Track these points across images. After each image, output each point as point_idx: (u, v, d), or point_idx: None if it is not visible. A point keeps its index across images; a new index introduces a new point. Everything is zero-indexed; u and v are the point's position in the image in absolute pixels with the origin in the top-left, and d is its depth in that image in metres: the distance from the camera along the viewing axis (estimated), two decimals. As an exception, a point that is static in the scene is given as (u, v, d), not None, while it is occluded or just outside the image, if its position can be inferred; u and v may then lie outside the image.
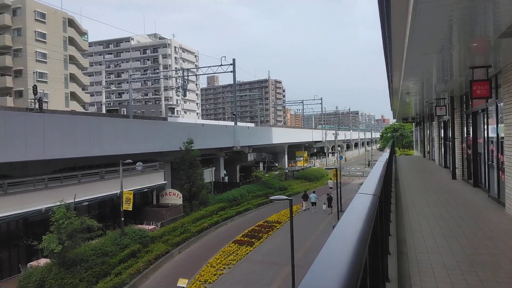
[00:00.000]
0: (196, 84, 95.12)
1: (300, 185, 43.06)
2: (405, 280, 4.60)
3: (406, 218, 8.06)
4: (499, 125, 9.56)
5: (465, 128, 14.33)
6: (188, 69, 48.97)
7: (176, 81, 71.51)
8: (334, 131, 75.50)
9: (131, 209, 21.41)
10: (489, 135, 10.68)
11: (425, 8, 4.86)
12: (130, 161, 21.36)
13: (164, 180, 28.96)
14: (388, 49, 8.37)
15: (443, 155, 20.18)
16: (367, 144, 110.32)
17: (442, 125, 20.34)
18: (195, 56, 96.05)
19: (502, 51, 7.53)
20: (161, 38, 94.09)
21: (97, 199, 22.60)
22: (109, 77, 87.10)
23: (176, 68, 78.33)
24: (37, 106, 26.95)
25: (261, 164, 51.72)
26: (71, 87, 54.62)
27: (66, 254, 16.30)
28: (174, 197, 27.82)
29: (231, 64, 38.19)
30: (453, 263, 5.19)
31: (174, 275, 17.32)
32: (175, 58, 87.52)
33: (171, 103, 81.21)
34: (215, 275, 17.36)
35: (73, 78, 55.19)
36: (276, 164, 59.53)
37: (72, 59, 55.05)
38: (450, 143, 16.21)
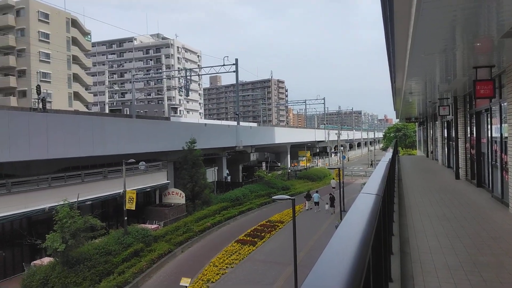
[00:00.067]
0: (199, 84, 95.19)
1: (303, 184, 43.03)
2: (408, 280, 4.59)
3: (409, 218, 8.04)
4: (502, 125, 9.53)
5: (468, 128, 14.28)
6: (190, 69, 49.03)
7: (179, 81, 71.65)
8: (336, 131, 75.36)
9: (134, 209, 21.47)
10: (493, 135, 10.63)
11: (428, 8, 4.85)
12: (133, 160, 21.43)
13: (167, 180, 29.02)
14: (391, 49, 8.36)
15: (446, 155, 20.12)
16: (370, 144, 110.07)
17: (446, 125, 20.27)
18: (198, 56, 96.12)
19: (505, 50, 7.50)
20: (163, 38, 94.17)
21: (100, 198, 22.68)
22: (112, 77, 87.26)
23: (178, 68, 78.42)
24: (40, 106, 27.02)
25: (263, 164, 51.71)
26: (74, 87, 54.77)
27: (70, 253, 16.38)
28: (177, 197, 27.88)
29: (233, 64, 38.19)
30: (456, 263, 5.18)
31: (177, 274, 17.35)
32: (178, 58, 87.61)
33: (173, 103, 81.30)
34: (217, 274, 17.38)
35: (76, 78, 55.34)
36: (279, 164, 59.52)
37: (75, 59, 55.20)
38: (454, 143, 16.15)
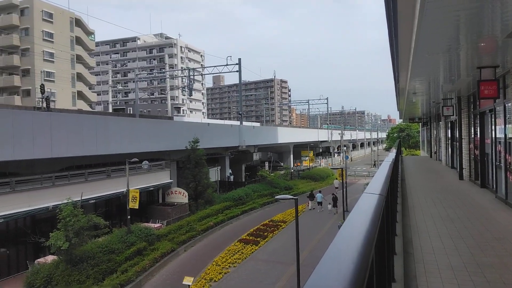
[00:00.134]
0: (202, 83, 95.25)
1: (306, 184, 43.00)
2: (411, 280, 4.58)
3: (413, 218, 8.03)
4: (507, 125, 9.49)
5: (472, 128, 14.23)
6: (194, 69, 49.07)
7: (182, 81, 71.68)
8: (340, 131, 75.26)
9: (137, 207, 21.53)
10: (497, 136, 10.59)
11: (431, 8, 4.84)
12: (137, 159, 21.49)
13: (170, 179, 29.08)
14: (395, 49, 8.34)
15: (450, 155, 20.05)
16: (373, 144, 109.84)
17: (449, 125, 20.20)
18: (201, 55, 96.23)
19: (510, 51, 7.47)
20: (167, 37, 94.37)
21: (104, 197, 22.76)
22: (116, 77, 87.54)
23: (182, 67, 78.52)
24: (44, 105, 27.15)
25: (266, 164, 51.72)
26: (78, 86, 54.98)
27: (73, 251, 16.45)
28: (180, 196, 27.93)
29: (236, 64, 38.20)
30: (459, 264, 5.17)
31: (179, 273, 17.39)
32: (181, 57, 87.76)
33: (177, 102, 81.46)
34: (220, 273, 17.40)
35: (80, 77, 55.56)
36: (282, 164, 59.50)
37: (79, 59, 55.41)
38: (457, 144, 16.10)
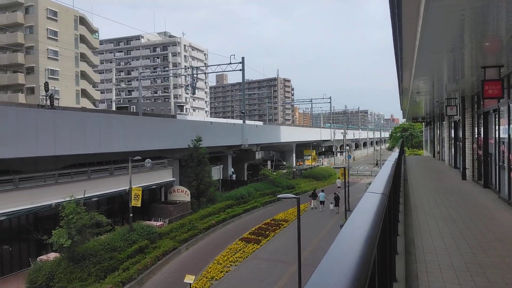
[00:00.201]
0: (205, 82, 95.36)
1: (308, 184, 42.98)
2: (413, 280, 4.57)
3: (415, 218, 8.01)
4: (510, 125, 9.45)
5: (476, 128, 14.17)
6: (197, 67, 49.13)
7: (185, 79, 71.83)
8: (342, 130, 75.13)
9: (139, 205, 21.58)
10: (501, 136, 10.55)
11: (436, 7, 4.82)
12: (139, 157, 21.53)
13: (173, 177, 29.14)
14: (399, 49, 8.32)
15: (453, 155, 19.98)
16: (376, 143, 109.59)
17: (453, 125, 20.13)
18: (205, 54, 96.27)
19: (514, 50, 7.43)
20: (171, 36, 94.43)
21: (106, 195, 22.82)
22: (119, 75, 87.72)
23: (185, 66, 78.59)
24: (48, 102, 27.20)
25: (269, 163, 51.77)
26: (81, 84, 55.12)
27: (75, 249, 16.51)
28: (182, 194, 27.98)
29: (240, 63, 38.17)
30: (461, 264, 5.15)
31: (181, 271, 17.43)
32: (185, 56, 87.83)
33: (180, 101, 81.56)
34: (222, 272, 17.43)
35: (83, 75, 55.70)
36: (284, 163, 59.48)
37: (83, 57, 55.53)
38: (461, 144, 16.04)
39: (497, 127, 10.95)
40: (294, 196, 14.50)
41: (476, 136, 14.05)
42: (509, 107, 9.58)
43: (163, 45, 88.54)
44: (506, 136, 9.79)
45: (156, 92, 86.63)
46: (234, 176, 40.97)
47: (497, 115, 10.88)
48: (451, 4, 4.84)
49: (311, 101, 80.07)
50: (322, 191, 32.83)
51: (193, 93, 47.81)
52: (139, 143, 25.16)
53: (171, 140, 28.37)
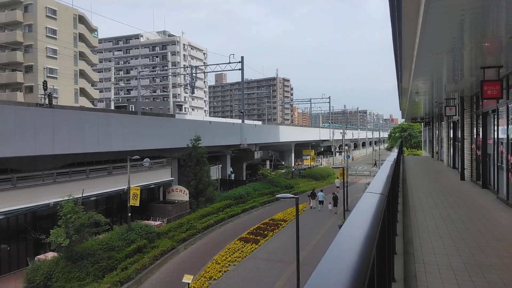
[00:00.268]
0: (204, 81, 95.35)
1: (307, 183, 43.00)
2: (411, 280, 4.57)
3: (413, 218, 8.01)
4: (509, 126, 9.46)
5: (474, 128, 14.19)
6: (196, 67, 49.10)
7: (184, 78, 71.77)
8: (341, 130, 75.23)
9: (138, 205, 21.54)
10: (499, 136, 10.56)
11: (436, 7, 4.81)
12: (138, 157, 21.50)
13: (171, 177, 29.11)
14: (398, 49, 8.31)
15: (451, 155, 20.01)
16: (375, 143, 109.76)
17: (452, 125, 20.16)
18: (204, 53, 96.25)
19: (514, 51, 7.43)
20: (170, 35, 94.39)
21: (105, 194, 22.80)
22: (118, 74, 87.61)
23: (184, 65, 78.57)
24: (47, 101, 27.19)
25: (267, 162, 51.75)
26: (80, 83, 55.07)
27: (73, 248, 16.48)
28: (181, 194, 27.96)
29: (239, 62, 38.19)
30: (460, 264, 5.15)
31: (179, 271, 17.41)
32: (184, 55, 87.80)
33: (179, 100, 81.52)
34: (220, 272, 17.42)
35: (82, 74, 55.64)
36: (283, 163, 59.55)
37: (82, 56, 55.48)
38: (459, 144, 16.06)
39: (495, 127, 10.96)
40: (293, 196, 14.49)
41: (475, 136, 14.07)
42: (508, 107, 9.59)
43: (162, 44, 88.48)
44: (505, 136, 9.80)
45: (155, 91, 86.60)
46: (232, 175, 40.98)
47: (496, 116, 10.89)
48: (451, 5, 4.83)
49: (310, 101, 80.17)
50: (321, 191, 32.85)
51: (192, 92, 47.80)
52: (138, 142, 25.13)
53: (170, 140, 28.35)
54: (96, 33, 60.31)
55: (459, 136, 16.05)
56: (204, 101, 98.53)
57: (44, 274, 15.91)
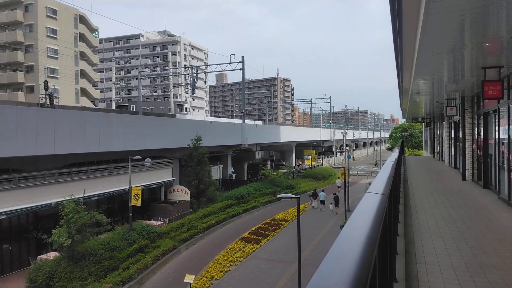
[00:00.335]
0: (205, 81, 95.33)
1: (308, 183, 42.98)
2: (413, 280, 4.58)
3: (415, 218, 8.01)
4: (510, 126, 9.45)
5: (476, 129, 14.18)
6: (197, 67, 49.10)
7: (185, 78, 71.79)
8: (342, 130, 75.17)
9: (139, 205, 21.58)
10: (500, 136, 10.56)
11: (437, 7, 4.82)
12: (139, 157, 21.52)
13: (172, 177, 29.14)
14: (399, 49, 8.32)
15: (453, 156, 19.99)
16: (376, 143, 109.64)
17: (453, 125, 20.14)
18: (204, 53, 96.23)
19: (515, 51, 7.43)
20: (170, 35, 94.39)
21: (106, 194, 22.83)
22: (119, 74, 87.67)
23: (185, 65, 78.58)
24: (48, 101, 27.22)
25: (268, 162, 51.75)
26: (81, 83, 55.09)
27: (75, 248, 16.50)
28: (182, 194, 27.98)
29: (239, 62, 38.16)
30: (461, 264, 5.16)
31: (181, 271, 17.44)
32: (184, 55, 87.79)
33: (180, 100, 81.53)
34: (221, 271, 17.43)
35: (83, 74, 55.66)
36: (284, 163, 59.50)
37: (83, 55, 55.49)
38: (460, 144, 16.05)
39: (497, 127, 10.96)
40: (294, 196, 14.49)
41: (476, 136, 14.06)
42: (509, 107, 9.58)
43: (163, 44, 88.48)
44: (506, 136, 9.80)
45: (156, 91, 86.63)
46: (233, 175, 40.98)
47: (497, 116, 10.89)
48: (452, 5, 4.84)
49: (311, 101, 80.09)
50: (323, 190, 32.85)
51: (193, 92, 47.82)
52: (139, 142, 25.15)
53: (171, 140, 28.37)
54: (96, 33, 60.34)
55: (460, 136, 16.03)
56: (205, 101, 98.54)
57: (46, 274, 15.94)
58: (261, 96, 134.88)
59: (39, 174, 19.51)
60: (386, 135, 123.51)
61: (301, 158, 65.95)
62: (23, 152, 18.35)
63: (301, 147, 64.50)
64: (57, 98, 45.45)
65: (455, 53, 7.63)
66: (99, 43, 65.64)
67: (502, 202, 9.83)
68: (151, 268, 17.75)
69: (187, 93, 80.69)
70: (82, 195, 19.43)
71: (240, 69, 38.32)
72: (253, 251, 20.37)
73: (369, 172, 55.57)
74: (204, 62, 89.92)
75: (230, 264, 18.43)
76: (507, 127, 9.74)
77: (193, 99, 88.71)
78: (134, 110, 52.50)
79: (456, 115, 16.82)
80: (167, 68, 71.90)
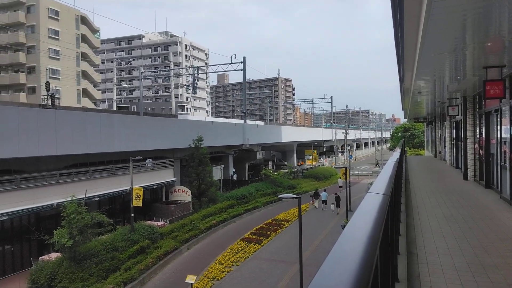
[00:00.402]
0: (206, 82, 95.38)
1: (309, 183, 42.97)
2: (415, 280, 4.57)
3: (416, 218, 8.00)
4: (512, 125, 9.42)
5: (477, 128, 14.15)
6: (198, 67, 49.13)
7: (186, 79, 71.85)
8: (343, 130, 75.13)
9: (141, 205, 21.60)
10: (502, 136, 10.53)
11: (438, 7, 4.81)
12: (140, 157, 21.55)
13: (174, 177, 29.16)
14: (401, 49, 8.31)
15: (454, 155, 19.95)
16: (377, 143, 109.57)
17: (454, 125, 20.10)
18: (206, 54, 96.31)
19: (517, 50, 7.41)
20: (172, 36, 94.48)
21: (108, 195, 22.85)
22: (120, 74, 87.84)
23: (186, 65, 78.65)
24: (49, 102, 27.25)
25: (270, 162, 51.75)
26: (83, 84, 55.18)
27: (77, 249, 16.53)
28: (183, 194, 27.99)
29: (241, 62, 38.19)
30: (463, 264, 5.14)
31: (182, 271, 17.44)
32: (186, 56, 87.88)
33: (181, 100, 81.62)
34: (223, 272, 17.44)
35: (85, 75, 55.76)
36: (285, 163, 59.48)
37: (84, 56, 55.59)
38: (462, 144, 16.02)
39: (498, 127, 10.93)
40: (295, 196, 14.49)
41: (478, 136, 14.03)
42: (510, 107, 9.56)
43: (164, 45, 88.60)
44: (508, 136, 9.77)
45: (157, 92, 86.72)
46: (235, 176, 40.96)
47: (498, 115, 10.86)
48: (454, 4, 4.83)
49: (312, 101, 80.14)
50: (325, 190, 32.84)
51: (194, 92, 47.86)
52: (140, 142, 25.18)
53: (172, 140, 28.39)
54: (98, 33, 60.43)
55: (462, 136, 16.00)
56: (206, 101, 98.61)
57: (48, 275, 15.97)
58: (262, 96, 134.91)
59: (40, 175, 19.55)
60: (387, 135, 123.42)
61: (303, 158, 65.94)
62: (25, 153, 18.38)
63: (303, 147, 64.50)
64: (59, 99, 45.51)
65: (456, 52, 7.61)
66: (101, 43, 65.71)
67: (504, 202, 9.80)
68: (152, 269, 17.76)
69: (189, 93, 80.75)
70: (84, 196, 19.46)
71: (241, 70, 38.36)
72: (255, 251, 20.37)
73: (370, 172, 55.53)
74: (205, 63, 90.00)
75: (232, 265, 18.43)
76: (509, 126, 9.71)
77: (195, 100, 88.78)
78: (136, 110, 52.60)
79: (458, 115, 16.78)
80: (168, 68, 71.96)
